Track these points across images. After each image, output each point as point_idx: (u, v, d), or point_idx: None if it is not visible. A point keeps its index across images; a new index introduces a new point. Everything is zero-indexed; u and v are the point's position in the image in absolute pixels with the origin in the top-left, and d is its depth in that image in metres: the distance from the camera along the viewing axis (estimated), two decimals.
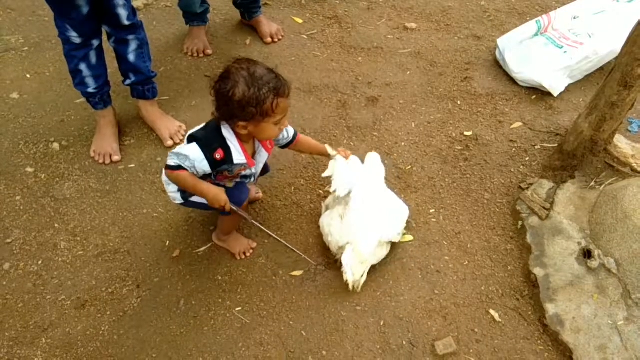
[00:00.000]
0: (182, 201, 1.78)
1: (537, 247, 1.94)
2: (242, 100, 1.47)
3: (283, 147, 1.91)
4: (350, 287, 1.83)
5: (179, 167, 1.57)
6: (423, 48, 2.98)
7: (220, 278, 1.96)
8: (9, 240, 2.04)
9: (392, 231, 1.91)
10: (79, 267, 1.98)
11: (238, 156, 1.62)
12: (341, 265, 1.84)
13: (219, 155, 1.58)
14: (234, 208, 1.71)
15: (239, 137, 1.61)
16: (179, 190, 1.74)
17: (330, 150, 1.96)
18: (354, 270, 1.81)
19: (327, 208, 2.03)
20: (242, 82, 1.47)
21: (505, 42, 2.77)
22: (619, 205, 1.90)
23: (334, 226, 1.88)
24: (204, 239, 2.08)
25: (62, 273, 1.96)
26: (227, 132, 1.60)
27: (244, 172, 1.73)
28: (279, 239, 1.98)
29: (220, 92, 1.50)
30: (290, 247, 1.99)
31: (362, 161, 2.03)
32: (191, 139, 1.61)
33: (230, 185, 1.78)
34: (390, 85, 2.75)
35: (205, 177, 1.67)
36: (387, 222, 1.90)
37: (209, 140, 1.58)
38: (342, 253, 1.85)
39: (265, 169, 2.02)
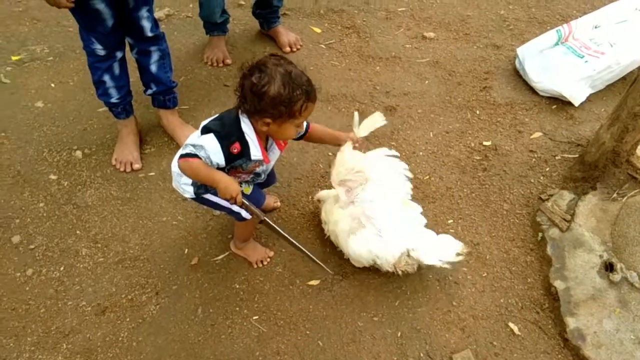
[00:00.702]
0: (193, 196, 1.72)
1: (558, 259, 1.92)
2: (276, 98, 1.44)
3: (297, 139, 1.85)
4: (460, 258, 1.80)
5: (194, 155, 1.50)
6: (441, 57, 2.97)
7: (237, 286, 1.97)
8: (32, 247, 2.08)
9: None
10: (100, 273, 2.01)
11: (255, 152, 1.57)
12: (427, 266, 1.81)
13: (235, 149, 1.53)
14: (246, 202, 1.65)
15: (257, 132, 1.57)
16: (192, 183, 1.69)
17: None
18: (446, 254, 1.79)
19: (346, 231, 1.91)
20: (279, 79, 1.44)
21: (525, 51, 2.75)
22: None
23: (376, 248, 1.79)
24: (222, 247, 2.09)
25: (83, 279, 1.99)
26: (246, 126, 1.55)
27: (257, 169, 1.68)
28: (291, 239, 1.88)
29: (254, 85, 1.45)
30: (306, 252, 1.91)
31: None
32: (206, 130, 1.54)
33: (246, 188, 1.76)
34: (409, 95, 2.75)
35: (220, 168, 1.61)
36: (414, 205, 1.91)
37: (226, 132, 1.53)
38: (400, 268, 1.81)
39: (271, 180, 2.00)
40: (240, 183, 1.74)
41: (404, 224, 1.82)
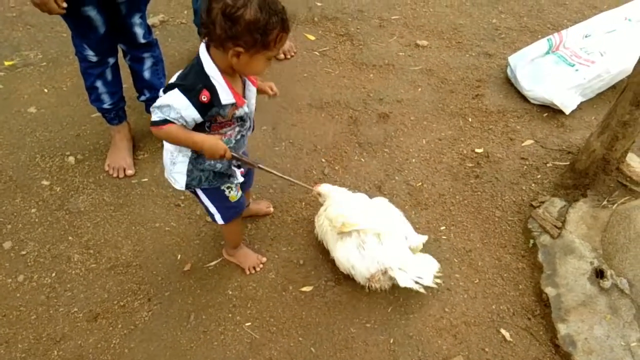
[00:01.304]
0: (184, 187, 1.64)
1: (549, 266, 1.93)
2: (252, 23, 1.29)
3: None
4: (437, 282, 1.85)
5: (165, 121, 1.39)
6: (434, 65, 3.00)
7: (230, 293, 1.97)
8: (23, 252, 2.07)
9: (413, 237, 1.93)
10: (92, 279, 2.00)
11: (225, 95, 1.42)
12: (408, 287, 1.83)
13: (205, 97, 1.38)
14: (235, 155, 1.56)
15: (223, 73, 1.42)
16: (186, 173, 1.60)
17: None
18: (424, 276, 1.82)
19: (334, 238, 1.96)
20: (255, 2, 1.29)
21: (517, 59, 2.78)
22: (632, 225, 1.89)
23: (354, 258, 1.84)
24: (215, 253, 2.09)
25: (75, 285, 1.98)
26: (210, 69, 1.40)
27: (237, 113, 1.52)
28: (284, 176, 1.90)
29: (229, 6, 1.29)
30: (295, 181, 2.00)
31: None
32: (170, 86, 1.41)
33: (233, 196, 1.74)
34: (402, 102, 2.77)
35: (199, 127, 1.47)
36: (399, 228, 1.92)
37: (191, 82, 1.39)
38: (373, 282, 1.84)
39: (249, 181, 1.95)
40: (230, 186, 1.71)
41: (386, 242, 1.84)
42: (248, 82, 1.56)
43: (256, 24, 1.30)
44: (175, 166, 1.61)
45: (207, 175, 1.63)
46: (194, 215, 2.22)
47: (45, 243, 2.11)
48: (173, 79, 1.45)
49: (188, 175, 1.61)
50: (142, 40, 2.20)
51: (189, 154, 1.57)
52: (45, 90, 2.80)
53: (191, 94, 1.37)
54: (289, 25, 1.39)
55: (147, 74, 2.32)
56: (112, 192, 2.31)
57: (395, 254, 1.83)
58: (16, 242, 2.10)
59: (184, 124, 1.41)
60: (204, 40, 1.42)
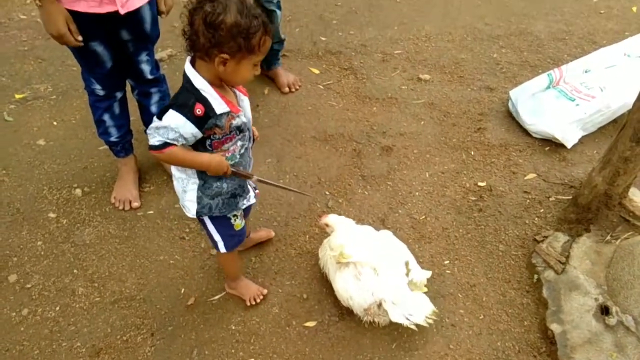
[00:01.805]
0: (194, 216, 1.66)
1: (554, 302, 1.92)
2: (233, 28, 1.30)
3: None
4: (428, 322, 1.83)
5: (165, 144, 1.40)
6: (436, 99, 3.04)
7: (233, 327, 1.96)
8: (28, 286, 2.08)
9: (418, 272, 1.94)
10: (95, 313, 2.00)
11: (218, 104, 1.42)
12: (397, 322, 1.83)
13: (199, 110, 1.39)
14: (235, 170, 1.58)
15: (212, 85, 1.43)
16: (197, 201, 1.61)
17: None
18: (415, 314, 1.82)
19: (334, 267, 1.98)
20: (234, 7, 1.31)
21: (518, 94, 2.82)
22: (636, 261, 1.88)
23: (352, 289, 1.85)
24: (218, 287, 2.09)
25: (78, 319, 1.98)
26: (199, 82, 1.40)
27: (234, 123, 1.50)
28: (281, 185, 2.02)
29: (209, 14, 1.30)
30: (292, 189, 2.09)
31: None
32: (164, 109, 1.42)
33: (237, 224, 1.76)
34: (405, 135, 2.80)
35: (200, 147, 1.49)
36: (401, 263, 1.92)
37: (182, 99, 1.40)
38: (370, 316, 1.84)
39: (248, 209, 1.91)
40: (236, 214, 1.73)
41: (382, 274, 1.85)
42: (239, 93, 1.57)
43: (238, 28, 1.31)
44: (186, 194, 1.62)
45: (217, 203, 1.64)
46: (198, 248, 2.23)
47: (50, 276, 2.12)
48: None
49: (198, 203, 1.62)
50: (150, 77, 2.25)
51: (197, 181, 1.58)
52: (55, 123, 2.85)
53: (185, 110, 1.38)
54: (271, 29, 1.40)
55: (154, 108, 2.36)
56: (118, 225, 2.33)
57: (390, 287, 1.83)
58: (21, 275, 2.11)
59: (184, 142, 1.42)
60: (188, 56, 1.44)
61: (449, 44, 3.49)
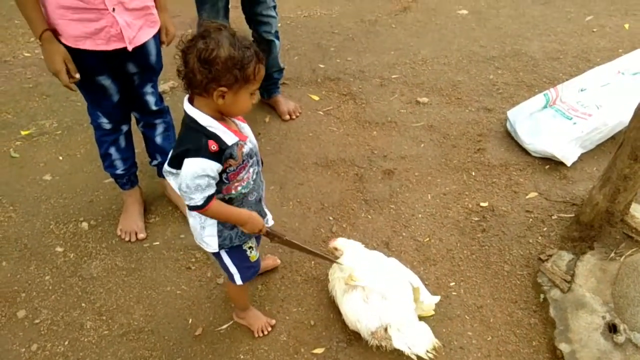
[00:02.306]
0: (217, 250, 1.67)
1: (561, 321, 1.92)
2: (228, 61, 1.34)
3: None
4: (427, 357, 1.83)
5: (209, 199, 1.45)
6: (435, 121, 3.09)
7: (242, 357, 1.96)
8: (37, 321, 2.09)
9: (427, 297, 1.97)
10: (104, 347, 2.00)
11: (228, 137, 1.45)
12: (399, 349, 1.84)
13: (213, 146, 1.42)
14: (269, 230, 1.72)
15: (215, 119, 1.46)
16: (218, 234, 1.64)
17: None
18: (417, 344, 1.82)
19: (335, 285, 2.02)
20: (226, 42, 1.34)
21: (516, 114, 2.86)
22: None
23: (360, 311, 1.87)
24: (225, 317, 2.10)
25: (87, 354, 1.98)
26: (203, 119, 1.43)
27: (245, 151, 1.53)
28: (311, 249, 1.98)
29: (203, 51, 1.33)
30: (324, 256, 2.01)
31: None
32: (176, 160, 1.46)
33: (253, 255, 1.80)
34: (405, 158, 2.84)
35: (219, 182, 1.51)
36: (408, 289, 1.93)
37: (193, 142, 1.42)
38: (377, 338, 1.85)
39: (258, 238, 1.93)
40: (251, 246, 1.77)
41: (390, 299, 1.87)
42: (237, 121, 1.59)
43: (233, 60, 1.34)
44: (205, 230, 1.63)
45: (237, 232, 1.66)
46: (204, 278, 2.24)
47: (58, 310, 2.13)
48: (171, 153, 1.50)
49: (219, 236, 1.64)
50: (154, 108, 2.30)
51: None
52: (60, 158, 2.90)
53: (202, 152, 1.41)
54: (263, 56, 1.43)
55: (159, 140, 2.41)
56: (124, 257, 2.35)
57: (397, 312, 1.85)
58: (30, 311, 2.13)
59: (213, 181, 1.46)
60: (186, 95, 1.47)
61: (446, 67, 3.55)
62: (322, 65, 3.65)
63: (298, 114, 3.19)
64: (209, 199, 1.45)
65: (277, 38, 2.94)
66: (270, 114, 3.19)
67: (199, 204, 1.45)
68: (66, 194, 2.66)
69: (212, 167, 1.43)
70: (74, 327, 2.07)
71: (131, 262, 2.33)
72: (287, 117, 3.15)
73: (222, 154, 1.44)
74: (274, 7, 2.82)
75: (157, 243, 2.41)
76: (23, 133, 3.08)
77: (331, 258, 2.00)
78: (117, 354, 1.98)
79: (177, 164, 1.47)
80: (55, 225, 2.49)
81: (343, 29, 4.11)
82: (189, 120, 1.45)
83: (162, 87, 3.35)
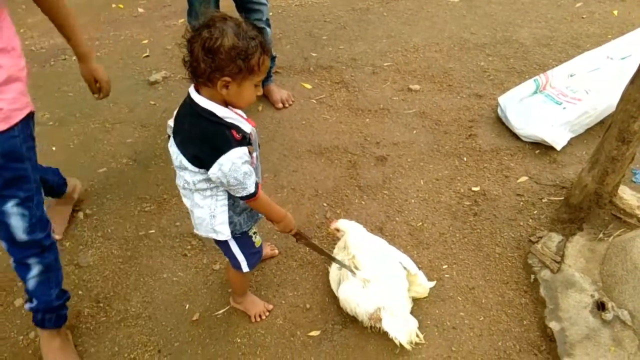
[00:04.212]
0: (229, 237, 1.67)
1: (551, 300, 1.97)
2: (232, 50, 1.33)
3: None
4: (409, 347, 1.88)
5: (257, 184, 1.49)
6: (427, 108, 3.11)
7: (239, 340, 1.99)
8: None
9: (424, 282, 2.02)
10: (102, 333, 2.03)
11: (245, 125, 1.47)
12: (386, 331, 1.88)
13: (238, 135, 1.43)
14: (299, 231, 1.81)
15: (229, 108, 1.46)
16: (229, 220, 1.63)
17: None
18: (403, 331, 1.86)
19: (338, 276, 2.06)
20: (230, 31, 1.33)
21: (506, 100, 2.89)
22: (628, 257, 1.93)
23: (359, 297, 1.90)
24: (222, 302, 2.13)
25: (85, 340, 2.00)
26: (221, 111, 1.42)
27: (253, 140, 1.55)
28: (334, 256, 2.05)
29: (207, 40, 1.33)
30: (344, 264, 2.02)
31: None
32: (202, 158, 1.44)
33: (257, 240, 1.82)
34: (398, 145, 2.86)
35: None
36: (403, 275, 1.97)
37: (220, 137, 1.42)
38: (373, 320, 1.88)
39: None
40: (255, 232, 1.79)
41: (387, 284, 1.92)
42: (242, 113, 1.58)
43: (237, 50, 1.33)
44: (216, 218, 1.62)
45: (244, 217, 1.68)
46: (200, 264, 2.27)
47: None
48: (184, 148, 1.47)
49: (230, 222, 1.64)
50: (24, 238, 1.65)
51: (227, 202, 1.59)
52: (54, 149, 2.90)
53: (230, 143, 1.41)
54: (269, 47, 1.42)
55: (31, 284, 1.77)
56: (120, 245, 2.36)
57: (392, 297, 1.89)
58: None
59: (249, 164, 1.48)
60: (192, 84, 1.45)
61: (437, 54, 3.57)
62: (314, 54, 3.66)
63: (291, 103, 3.20)
64: (257, 183, 1.49)
65: (269, 26, 2.95)
66: (263, 103, 3.20)
67: (252, 190, 1.48)
68: None
69: (246, 152, 1.44)
70: (72, 315, 2.08)
71: (127, 250, 2.35)
72: (280, 105, 3.16)
73: (245, 140, 1.46)
74: None
75: (153, 231, 2.43)
76: None
77: (351, 269, 1.98)
78: (115, 339, 2.00)
79: (201, 163, 1.45)
80: None
81: (335, 17, 4.12)
82: (206, 114, 1.42)
83: (154, 76, 3.35)
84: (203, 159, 1.44)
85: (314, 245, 1.98)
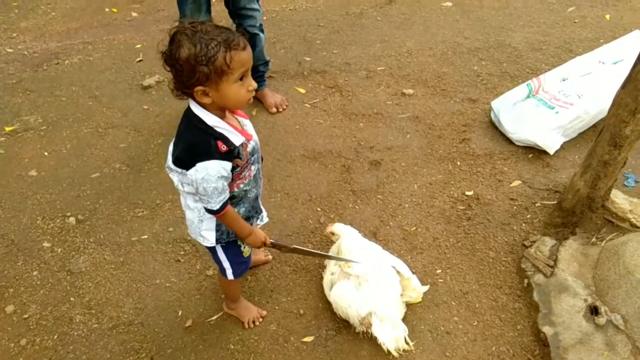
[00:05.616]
0: (213, 244, 1.67)
1: (545, 305, 1.97)
2: (189, 60, 1.28)
3: None
4: (396, 354, 1.87)
5: (225, 204, 1.47)
6: (421, 112, 3.12)
7: (232, 347, 1.98)
8: (25, 316, 2.09)
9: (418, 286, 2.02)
10: (94, 340, 2.01)
11: (234, 137, 1.43)
12: (376, 337, 1.87)
13: (223, 147, 1.39)
14: (274, 242, 1.77)
15: (221, 118, 1.43)
16: (215, 229, 1.63)
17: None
18: (391, 338, 1.86)
19: (332, 281, 2.05)
20: (185, 40, 1.28)
21: (499, 104, 2.90)
22: (621, 261, 1.94)
23: (352, 298, 1.90)
24: (215, 308, 2.11)
25: (77, 347, 1.99)
26: (212, 120, 1.39)
27: (249, 150, 1.51)
28: (320, 253, 2.07)
29: (168, 57, 1.32)
30: (334, 257, 2.02)
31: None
32: (184, 160, 1.43)
33: (246, 250, 1.81)
34: (392, 149, 2.86)
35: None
36: (396, 281, 1.96)
37: (203, 144, 1.39)
38: (364, 325, 1.88)
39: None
40: (243, 244, 1.78)
41: (379, 288, 1.91)
42: (240, 118, 1.56)
43: (195, 58, 1.28)
44: (203, 223, 1.61)
45: None
46: (194, 270, 2.26)
47: (47, 305, 2.13)
48: (179, 152, 1.45)
49: (217, 230, 1.64)
50: None
51: None
52: (46, 154, 2.88)
53: (211, 154, 1.38)
54: (238, 42, 1.33)
55: None
56: (113, 251, 2.35)
57: (385, 304, 1.89)
58: (18, 306, 2.12)
59: (227, 183, 1.46)
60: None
61: (430, 59, 3.58)
62: (308, 58, 3.66)
63: (285, 107, 3.20)
64: (225, 203, 1.47)
65: (262, 31, 2.95)
66: (257, 107, 3.20)
67: (214, 208, 1.47)
68: (52, 189, 2.65)
69: (226, 167, 1.42)
70: (63, 321, 2.07)
71: (119, 255, 2.33)
72: (274, 110, 3.16)
73: (231, 152, 1.43)
74: (257, 0, 2.82)
75: (146, 236, 2.41)
76: (7, 129, 3.05)
77: (340, 258, 1.98)
78: (107, 346, 1.99)
79: (182, 164, 1.44)
80: (42, 221, 2.48)
81: (328, 22, 4.12)
82: (195, 120, 1.40)
83: (148, 81, 3.34)
84: (184, 161, 1.43)
85: (299, 250, 1.95)
